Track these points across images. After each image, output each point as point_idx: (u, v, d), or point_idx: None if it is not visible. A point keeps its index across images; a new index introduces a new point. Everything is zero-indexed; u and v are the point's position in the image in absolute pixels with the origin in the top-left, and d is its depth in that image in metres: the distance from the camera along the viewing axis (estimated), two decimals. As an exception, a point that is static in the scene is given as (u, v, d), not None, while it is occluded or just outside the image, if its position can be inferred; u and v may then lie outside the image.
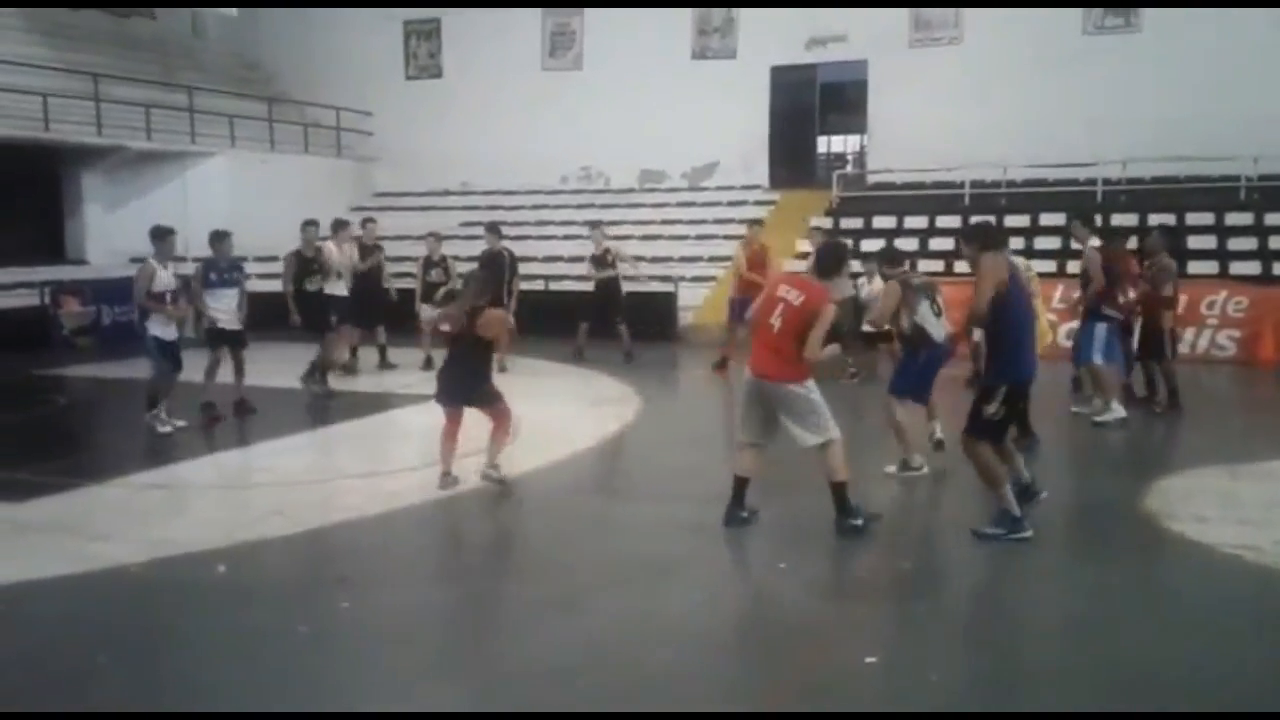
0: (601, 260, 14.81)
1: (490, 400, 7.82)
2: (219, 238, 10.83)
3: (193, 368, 10.53)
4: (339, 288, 12.95)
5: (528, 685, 4.79)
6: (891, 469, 8.19)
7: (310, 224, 12.67)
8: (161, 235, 10.20)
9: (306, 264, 12.32)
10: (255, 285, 12.41)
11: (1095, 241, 10.38)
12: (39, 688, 4.75)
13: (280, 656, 5.10)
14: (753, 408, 6.82)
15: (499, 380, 8.25)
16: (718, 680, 4.83)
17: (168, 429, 9.96)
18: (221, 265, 10.83)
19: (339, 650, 5.19)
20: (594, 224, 15.66)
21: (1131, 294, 10.30)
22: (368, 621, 5.50)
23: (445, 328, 7.77)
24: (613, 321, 14.65)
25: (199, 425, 10.32)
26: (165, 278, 10.08)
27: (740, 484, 6.92)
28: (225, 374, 10.79)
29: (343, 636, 5.36)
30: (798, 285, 6.72)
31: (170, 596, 5.93)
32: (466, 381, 7.78)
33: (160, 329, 10.07)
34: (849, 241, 18.32)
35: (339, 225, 13.54)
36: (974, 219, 17.87)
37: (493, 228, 14.62)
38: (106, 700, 4.63)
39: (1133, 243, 15.52)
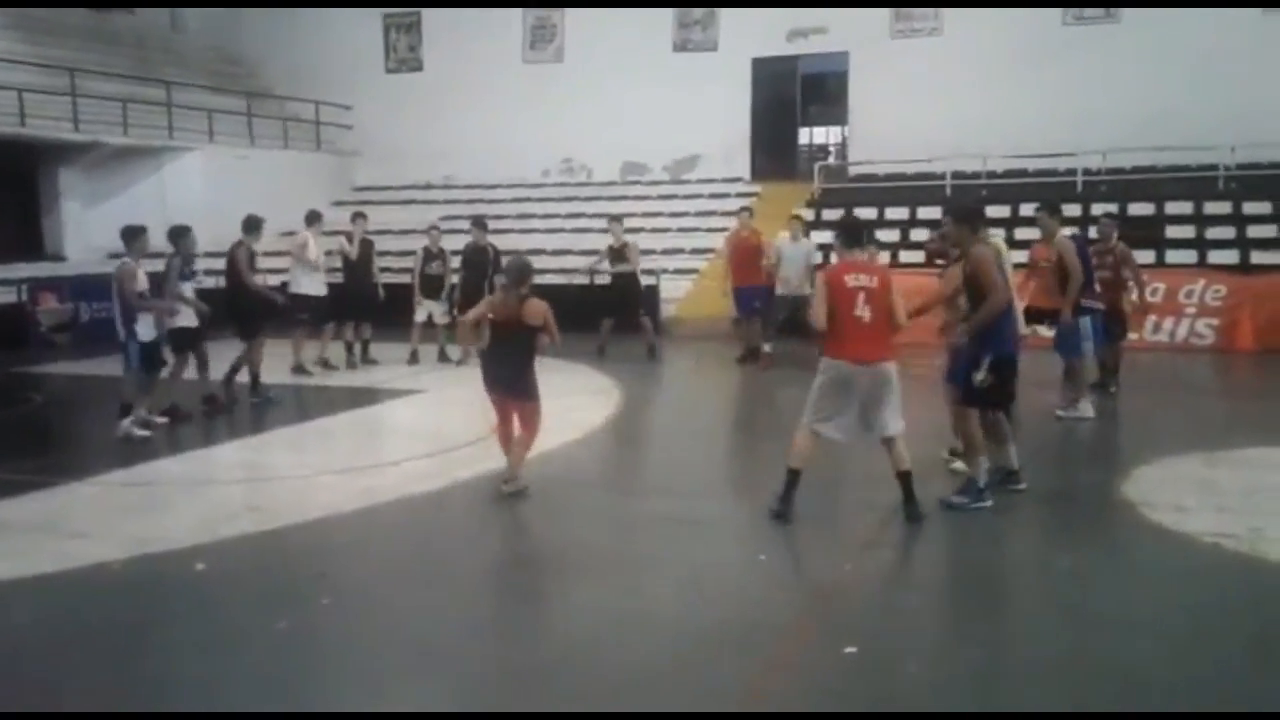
0: (619, 254, 14.62)
1: (529, 393, 7.55)
2: (183, 233, 10.59)
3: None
4: (313, 285, 12.78)
5: (508, 682, 4.79)
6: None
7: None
8: (134, 234, 9.94)
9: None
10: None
11: (1066, 232, 10.31)
12: (17, 686, 4.72)
13: (259, 653, 5.08)
14: (849, 398, 6.65)
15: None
16: (694, 674, 4.82)
17: (145, 433, 9.74)
18: (186, 260, 10.57)
19: (318, 647, 5.18)
20: (614, 217, 15.49)
21: (1127, 275, 10.56)
22: (347, 618, 5.49)
23: (492, 316, 7.52)
24: (635, 316, 14.50)
25: (167, 426, 10.14)
26: (143, 277, 9.90)
27: (795, 477, 6.81)
28: (188, 372, 10.67)
29: (322, 633, 5.35)
30: (864, 270, 6.75)
31: (149, 593, 5.90)
32: (511, 370, 7.49)
33: (145, 331, 9.85)
34: (830, 234, 18.47)
35: (313, 218, 13.42)
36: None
37: (478, 222, 14.51)
38: (85, 698, 4.60)
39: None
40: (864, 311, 6.54)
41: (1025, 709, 4.43)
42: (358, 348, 13.79)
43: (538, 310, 7.35)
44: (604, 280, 15.08)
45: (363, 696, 4.60)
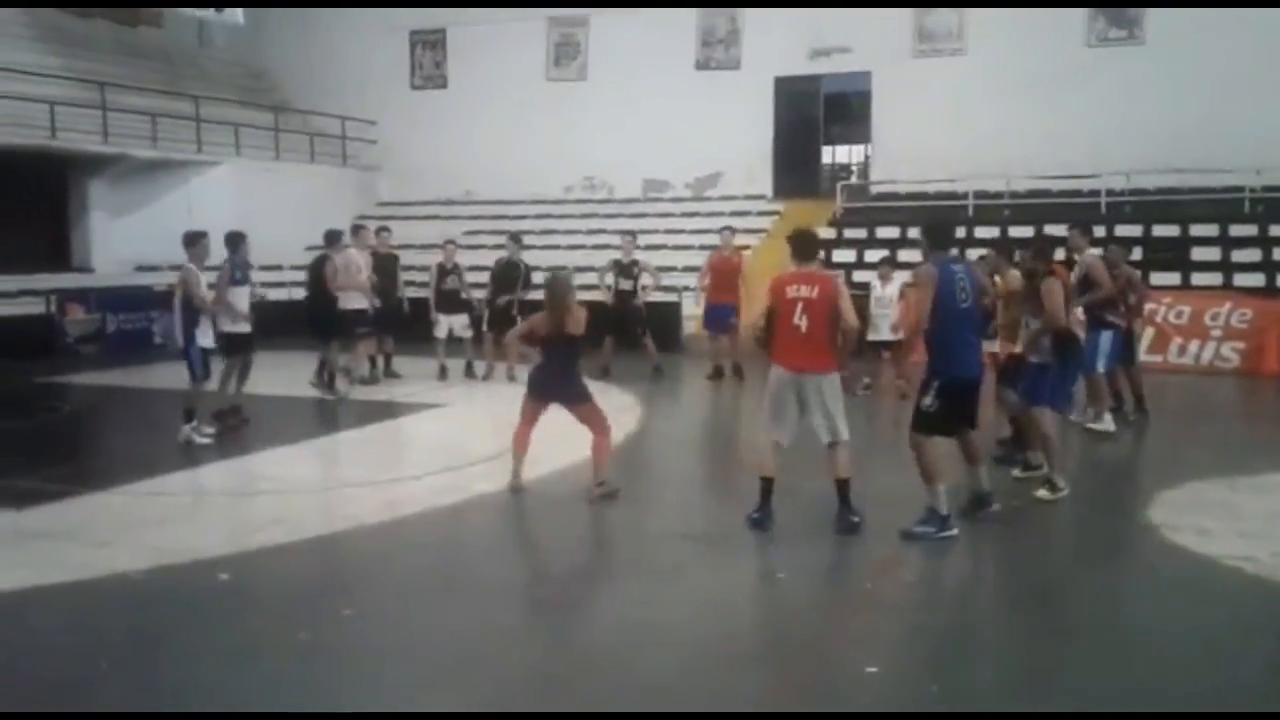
0: (626, 270, 14.53)
1: (582, 397, 7.88)
2: (240, 239, 10.78)
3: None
4: (357, 300, 12.74)
5: (526, 694, 4.79)
6: (1044, 493, 7.76)
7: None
8: (194, 240, 10.09)
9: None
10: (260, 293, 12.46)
11: (1094, 251, 10.41)
12: (40, 694, 4.75)
13: (281, 664, 5.10)
14: (788, 405, 6.86)
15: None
16: (716, 689, 4.83)
17: (206, 440, 9.90)
18: (239, 266, 10.78)
19: (339, 658, 5.19)
20: (627, 233, 15.48)
21: (1133, 299, 10.45)
22: (368, 629, 5.51)
23: (540, 333, 7.82)
24: (636, 334, 14.44)
25: (219, 432, 10.27)
26: (205, 282, 10.06)
27: (769, 485, 6.97)
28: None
29: (343, 644, 5.36)
30: (806, 281, 6.83)
31: (172, 604, 5.92)
32: (559, 380, 7.84)
33: (204, 338, 10.02)
34: (853, 252, 18.45)
35: (356, 229, 13.53)
36: (981, 231, 18.01)
37: (514, 237, 14.61)
38: (108, 707, 4.63)
39: (1137, 253, 15.65)
40: (801, 321, 6.71)
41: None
42: (380, 361, 13.83)
43: (580, 319, 7.70)
44: (603, 295, 14.61)
45: (383, 706, 4.62)
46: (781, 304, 6.84)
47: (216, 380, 10.53)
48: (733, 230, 15.27)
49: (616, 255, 14.92)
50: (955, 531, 6.77)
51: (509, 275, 13.98)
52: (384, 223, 16.83)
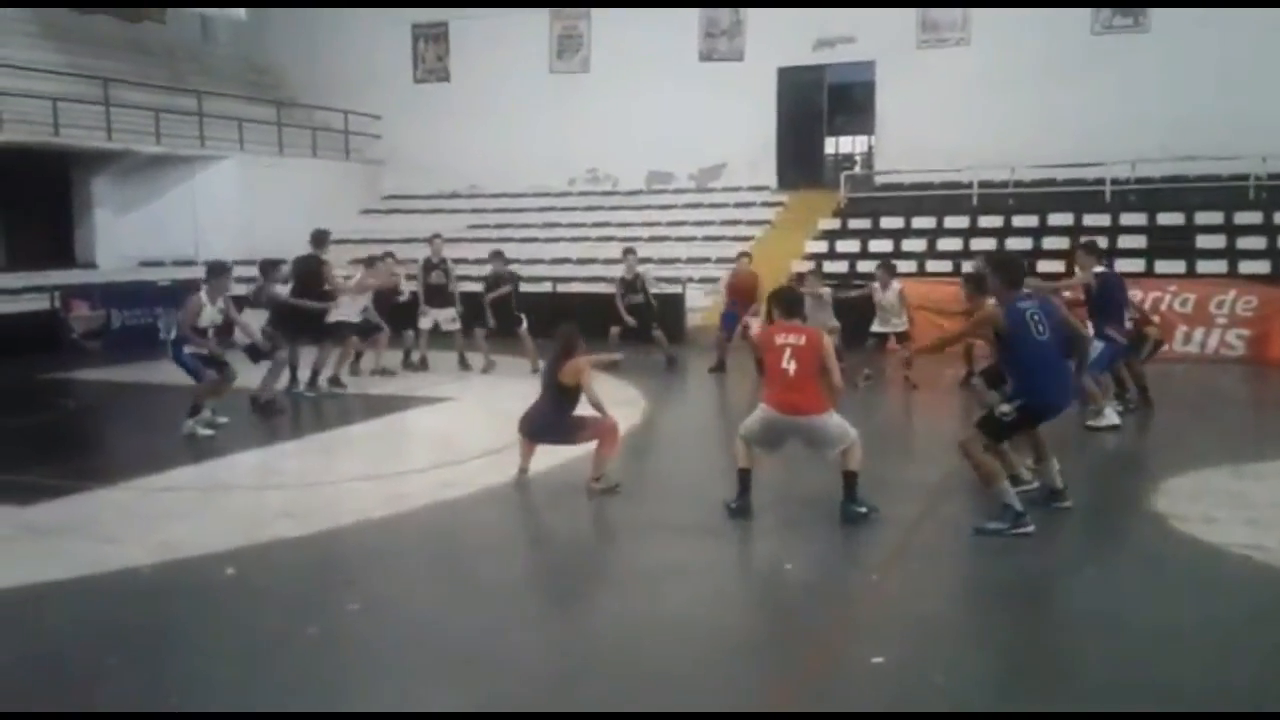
0: (632, 286, 14.73)
1: (573, 435, 8.01)
2: (273, 265, 11.82)
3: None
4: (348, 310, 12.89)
5: (532, 687, 4.80)
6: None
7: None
8: (218, 272, 10.19)
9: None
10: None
11: (1098, 269, 10.32)
12: (49, 689, 4.77)
13: (289, 658, 5.11)
14: (769, 435, 7.19)
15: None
16: (723, 682, 4.83)
17: (209, 433, 9.99)
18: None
19: (347, 652, 5.20)
20: (627, 250, 15.50)
21: (1129, 324, 10.45)
22: (375, 623, 5.52)
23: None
24: (648, 330, 14.60)
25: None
26: (210, 313, 10.11)
27: (745, 476, 7.17)
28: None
29: (351, 638, 5.37)
30: (794, 331, 7.18)
31: (179, 598, 5.94)
32: (548, 421, 8.02)
33: (193, 347, 10.10)
34: (857, 243, 18.43)
35: (372, 261, 13.94)
36: (985, 220, 17.99)
37: (499, 254, 14.72)
38: (116, 702, 4.65)
39: (1141, 241, 15.63)
40: (790, 365, 6.99)
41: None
42: (415, 354, 14.29)
43: (573, 371, 7.88)
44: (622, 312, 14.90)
45: (390, 700, 4.62)
46: (771, 351, 7.16)
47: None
48: (749, 256, 15.29)
49: (620, 272, 15.01)
50: (1032, 528, 6.67)
51: (499, 285, 14.27)
52: (388, 217, 16.85)
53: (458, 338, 14.26)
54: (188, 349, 10.05)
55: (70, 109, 18.55)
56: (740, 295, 14.43)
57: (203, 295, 10.11)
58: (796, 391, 6.98)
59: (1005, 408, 6.89)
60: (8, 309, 16.22)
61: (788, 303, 7.51)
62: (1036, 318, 6.84)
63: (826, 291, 13.28)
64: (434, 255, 14.40)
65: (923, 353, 11.85)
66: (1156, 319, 11.45)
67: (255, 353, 11.30)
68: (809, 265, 16.36)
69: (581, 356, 8.01)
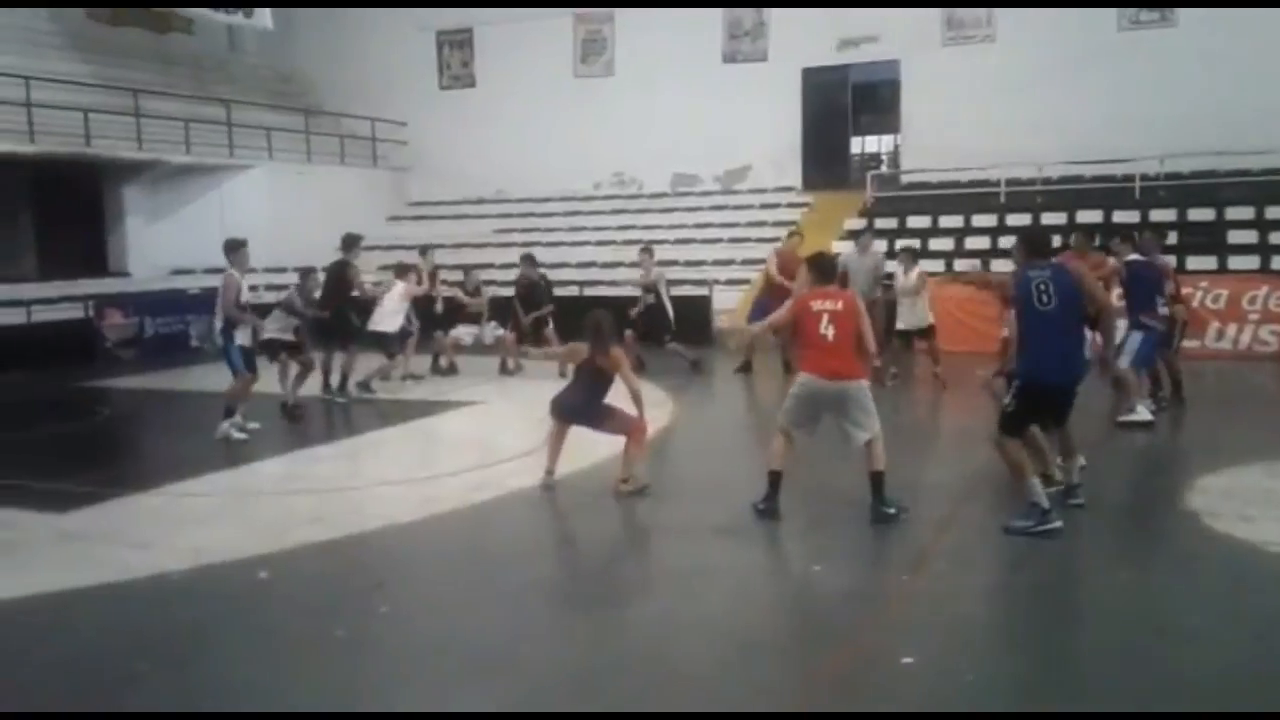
0: (649, 286, 14.67)
1: (605, 418, 7.99)
2: (309, 273, 11.96)
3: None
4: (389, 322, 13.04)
5: (562, 688, 4.81)
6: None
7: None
8: (235, 247, 10.31)
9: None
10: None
11: (1130, 257, 10.38)
12: (81, 694, 4.81)
13: (318, 661, 5.15)
14: (809, 408, 7.07)
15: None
16: (753, 681, 4.83)
17: (243, 436, 10.13)
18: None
19: (376, 655, 5.23)
20: (644, 249, 15.34)
21: (1163, 310, 10.35)
22: (405, 626, 5.55)
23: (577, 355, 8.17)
24: (661, 342, 14.49)
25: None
26: (245, 288, 10.33)
27: (776, 478, 7.11)
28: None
29: (380, 641, 5.41)
30: (830, 296, 7.11)
31: (211, 603, 5.99)
32: (582, 404, 8.00)
33: (243, 337, 10.37)
34: (885, 242, 18.36)
35: (405, 270, 13.90)
36: (1013, 219, 17.87)
37: (529, 257, 14.77)
38: (146, 706, 4.69)
39: (1172, 238, 15.46)
40: (828, 330, 6.95)
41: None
42: (443, 360, 14.45)
43: (614, 360, 7.90)
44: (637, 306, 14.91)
45: (420, 702, 4.65)
46: (807, 317, 7.07)
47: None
48: (799, 234, 15.25)
49: (639, 274, 14.97)
50: (1059, 524, 6.64)
51: (534, 296, 14.31)
52: (415, 223, 16.92)
53: (500, 343, 14.33)
54: (238, 337, 10.28)
55: (101, 120, 18.75)
56: (787, 274, 13.92)
57: (234, 272, 10.22)
58: (836, 357, 6.94)
59: (1007, 400, 6.94)
60: (44, 318, 16.40)
61: (823, 269, 7.42)
62: (1042, 287, 6.67)
63: (880, 254, 13.34)
64: (469, 284, 14.66)
65: (964, 282, 11.97)
66: (1184, 295, 11.51)
67: (273, 348, 11.41)
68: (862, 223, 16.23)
69: (616, 348, 8.04)
